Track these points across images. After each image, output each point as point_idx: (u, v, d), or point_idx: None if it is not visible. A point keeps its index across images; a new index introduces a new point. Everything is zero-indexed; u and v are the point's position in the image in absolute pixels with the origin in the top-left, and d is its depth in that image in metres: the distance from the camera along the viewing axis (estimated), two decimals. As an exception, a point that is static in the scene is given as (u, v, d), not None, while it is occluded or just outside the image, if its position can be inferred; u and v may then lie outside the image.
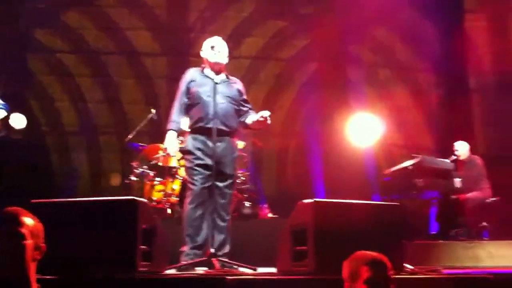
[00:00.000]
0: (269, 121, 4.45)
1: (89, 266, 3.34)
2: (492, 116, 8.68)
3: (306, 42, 8.62)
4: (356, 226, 3.82)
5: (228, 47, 4.67)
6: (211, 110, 4.42)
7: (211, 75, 4.54)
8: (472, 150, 7.20)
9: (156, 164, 6.30)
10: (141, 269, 3.44)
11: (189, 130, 4.59)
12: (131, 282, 3.34)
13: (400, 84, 8.85)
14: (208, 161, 4.39)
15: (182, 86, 4.59)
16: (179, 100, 4.56)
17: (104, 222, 3.43)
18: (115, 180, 7.45)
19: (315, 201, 3.78)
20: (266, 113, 4.44)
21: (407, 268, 4.18)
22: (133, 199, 3.54)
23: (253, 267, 4.18)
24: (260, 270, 4.20)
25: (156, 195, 6.17)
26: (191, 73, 4.63)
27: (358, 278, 2.38)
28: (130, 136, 6.62)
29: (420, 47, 8.86)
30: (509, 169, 7.58)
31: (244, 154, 6.42)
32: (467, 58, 8.83)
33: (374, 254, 2.47)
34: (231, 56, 4.73)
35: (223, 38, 4.69)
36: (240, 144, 6.17)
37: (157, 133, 6.18)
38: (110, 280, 3.29)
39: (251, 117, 4.58)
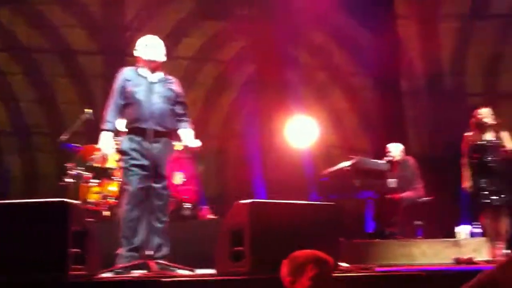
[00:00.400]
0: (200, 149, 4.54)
1: (19, 269, 3.25)
2: (423, 118, 9.00)
3: (244, 43, 8.65)
4: (292, 226, 3.87)
5: (166, 46, 4.62)
6: (146, 111, 4.36)
7: (147, 75, 4.47)
8: (406, 151, 7.42)
9: (93, 165, 6.15)
10: (73, 272, 3.35)
11: (125, 130, 4.51)
12: (62, 286, 3.25)
13: (336, 87, 9.03)
14: (144, 162, 4.33)
15: (117, 85, 4.49)
16: (114, 100, 4.46)
17: (34, 225, 3.34)
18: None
19: (251, 201, 3.80)
20: (196, 144, 4.55)
21: (342, 266, 4.27)
22: (63, 200, 3.46)
23: (191, 269, 4.15)
24: (199, 271, 4.18)
25: (93, 197, 6.03)
26: (126, 72, 4.53)
27: (303, 274, 2.39)
28: (64, 137, 6.43)
29: (355, 51, 9.08)
30: (440, 168, 7.89)
31: (183, 155, 6.36)
32: (399, 62, 9.13)
33: (316, 251, 2.50)
34: (169, 56, 4.68)
35: (160, 38, 4.63)
36: (179, 145, 6.12)
37: (94, 134, 6.02)
38: (40, 284, 3.21)
39: (184, 136, 4.59)
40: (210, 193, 7.65)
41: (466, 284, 2.41)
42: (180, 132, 4.59)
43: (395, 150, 7.24)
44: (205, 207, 6.67)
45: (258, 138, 8.07)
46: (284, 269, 2.48)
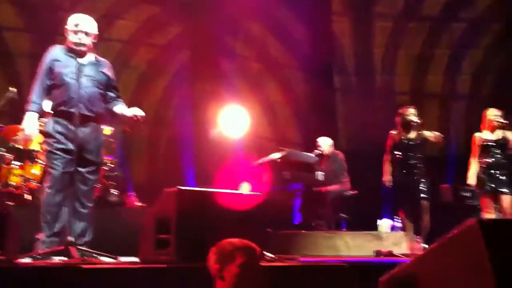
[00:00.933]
0: (141, 120, 4.37)
1: None
2: (353, 114, 9.24)
3: (180, 29, 8.54)
4: (220, 215, 3.87)
5: (99, 28, 4.47)
6: (75, 94, 4.21)
7: (76, 56, 4.31)
8: (335, 146, 7.59)
9: (15, 146, 5.90)
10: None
11: (51, 112, 4.34)
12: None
13: (271, 79, 9.09)
14: (70, 146, 4.18)
15: (44, 65, 4.30)
16: (40, 80, 4.27)
17: None
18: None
19: (178, 189, 3.77)
20: (139, 112, 4.34)
21: (267, 256, 4.32)
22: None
23: (113, 256, 4.08)
24: (122, 259, 4.11)
25: (14, 180, 5.78)
26: (55, 52, 4.35)
27: (231, 262, 2.39)
28: (-15, 116, 6.14)
29: (291, 45, 9.17)
30: (367, 164, 8.12)
31: (112, 140, 6.23)
32: (332, 57, 9.31)
33: (244, 240, 2.51)
34: (101, 38, 4.54)
35: (93, 18, 4.47)
36: (107, 130, 5.97)
37: (18, 114, 5.77)
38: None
39: (121, 109, 4.43)
40: (140, 180, 7.54)
41: (385, 275, 2.50)
42: (116, 108, 4.43)
43: (325, 144, 7.39)
44: (133, 194, 6.57)
45: (190, 126, 8.01)
46: (212, 257, 2.47)
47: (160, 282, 3.44)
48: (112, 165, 6.28)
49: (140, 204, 6.43)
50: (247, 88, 8.71)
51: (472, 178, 6.10)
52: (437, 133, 6.18)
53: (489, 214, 5.96)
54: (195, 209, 3.80)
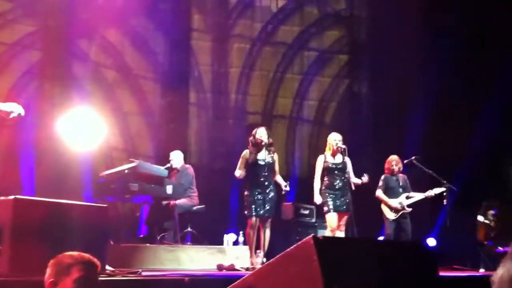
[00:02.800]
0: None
1: None
2: (205, 129, 9.40)
3: (32, 29, 8.09)
4: (60, 226, 3.76)
5: None
6: None
7: None
8: (185, 160, 7.64)
9: None
10: None
11: None
12: None
13: (126, 89, 8.93)
14: None
15: None
16: None
17: None
18: None
19: (14, 197, 3.58)
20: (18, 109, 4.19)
21: (107, 270, 4.23)
22: None
23: None
24: None
25: None
26: None
27: (67, 276, 2.30)
28: None
29: (149, 56, 9.11)
30: (215, 179, 8.30)
31: None
32: (189, 73, 9.41)
33: (84, 254, 2.43)
34: None
35: None
36: None
37: None
38: None
39: None
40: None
41: None
42: None
43: (176, 157, 7.41)
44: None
45: (33, 130, 7.56)
46: (48, 270, 2.37)
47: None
48: None
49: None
50: (100, 95, 8.46)
51: (317, 197, 6.48)
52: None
53: (332, 231, 6.36)
54: (32, 220, 3.63)
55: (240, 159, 6.33)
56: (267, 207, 6.16)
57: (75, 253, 2.42)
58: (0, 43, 7.95)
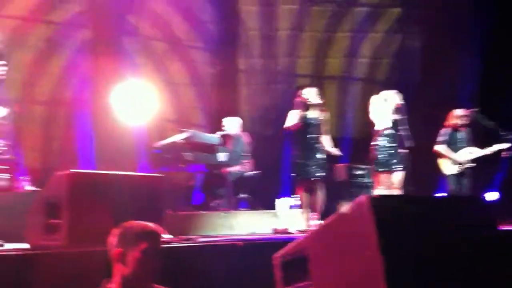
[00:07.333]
0: None
1: None
2: (256, 96, 9.38)
3: (81, 7, 8.25)
4: (116, 197, 3.82)
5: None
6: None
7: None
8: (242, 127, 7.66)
9: None
10: None
11: None
12: None
13: (175, 60, 9.02)
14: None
15: None
16: None
17: None
18: None
19: (70, 171, 3.70)
20: None
21: (165, 238, 4.34)
22: None
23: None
24: (8, 246, 3.97)
25: None
26: None
27: (136, 246, 2.32)
28: None
29: (196, 26, 9.12)
30: (267, 145, 8.31)
31: (4, 122, 5.95)
32: (238, 40, 9.36)
33: (149, 224, 2.44)
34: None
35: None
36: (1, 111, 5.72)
37: None
38: None
39: None
40: (34, 164, 7.25)
41: (280, 251, 2.62)
42: None
43: (231, 124, 7.43)
44: (24, 178, 6.32)
45: (89, 106, 7.80)
46: (114, 240, 2.37)
47: (52, 267, 3.38)
48: (5, 148, 6.01)
49: (32, 188, 6.20)
50: (151, 68, 8.59)
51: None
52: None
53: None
54: (89, 192, 3.74)
55: (289, 115, 6.24)
56: (317, 168, 6.11)
57: (139, 223, 2.43)
58: (53, 23, 8.17)
